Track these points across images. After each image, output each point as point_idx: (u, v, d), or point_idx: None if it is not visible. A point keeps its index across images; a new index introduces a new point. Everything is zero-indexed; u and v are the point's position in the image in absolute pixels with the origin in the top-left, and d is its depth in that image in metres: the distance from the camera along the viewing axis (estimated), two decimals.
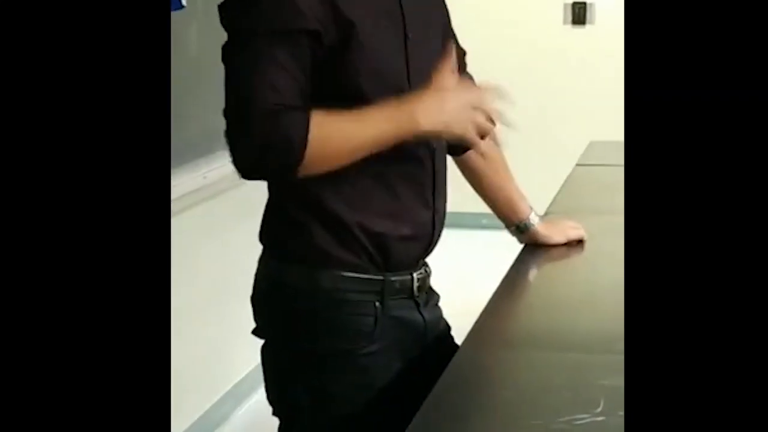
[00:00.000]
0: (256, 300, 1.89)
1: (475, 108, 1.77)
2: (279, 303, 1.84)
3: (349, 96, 1.73)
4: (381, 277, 1.79)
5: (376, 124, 1.73)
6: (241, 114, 1.69)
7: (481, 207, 2.19)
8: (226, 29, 1.75)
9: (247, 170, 1.72)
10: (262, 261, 1.87)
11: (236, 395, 3.68)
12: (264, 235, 1.87)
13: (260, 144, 1.67)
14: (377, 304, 1.80)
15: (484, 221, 3.01)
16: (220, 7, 1.76)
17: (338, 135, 1.72)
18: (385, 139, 1.72)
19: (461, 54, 2.05)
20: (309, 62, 1.69)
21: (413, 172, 1.82)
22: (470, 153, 2.07)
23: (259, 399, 2.02)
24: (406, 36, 1.79)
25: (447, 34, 1.97)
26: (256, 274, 1.88)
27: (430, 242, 1.88)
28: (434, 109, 1.73)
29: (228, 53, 1.74)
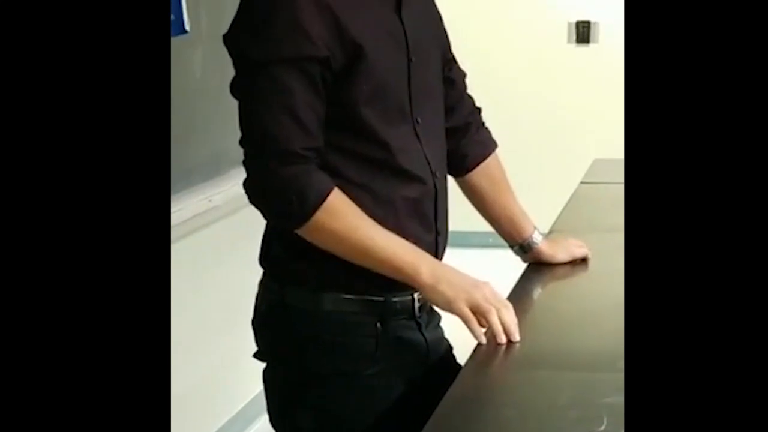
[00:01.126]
0: (257, 323, 1.89)
1: (485, 299, 1.76)
2: (280, 326, 1.84)
3: (350, 120, 1.74)
4: (382, 299, 1.79)
5: (392, 240, 1.75)
6: (264, 151, 1.70)
7: (486, 226, 2.19)
8: (235, 59, 1.76)
9: (256, 202, 1.75)
10: (263, 284, 1.88)
11: (241, 420, 3.68)
12: (264, 258, 1.88)
13: (276, 188, 1.69)
14: (378, 325, 1.80)
15: (490, 240, 3.01)
16: (226, 37, 1.77)
17: (351, 221, 1.73)
18: (389, 258, 1.74)
19: (462, 76, 2.07)
20: (323, 89, 1.71)
21: (416, 196, 1.83)
22: (472, 173, 2.08)
23: (263, 424, 2.03)
24: (409, 59, 1.81)
25: (446, 56, 1.98)
26: (257, 297, 1.89)
27: None
28: (447, 279, 1.75)
29: (240, 84, 1.75)
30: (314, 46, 1.68)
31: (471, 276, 1.79)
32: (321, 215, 1.70)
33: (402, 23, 1.80)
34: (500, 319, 1.74)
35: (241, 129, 1.75)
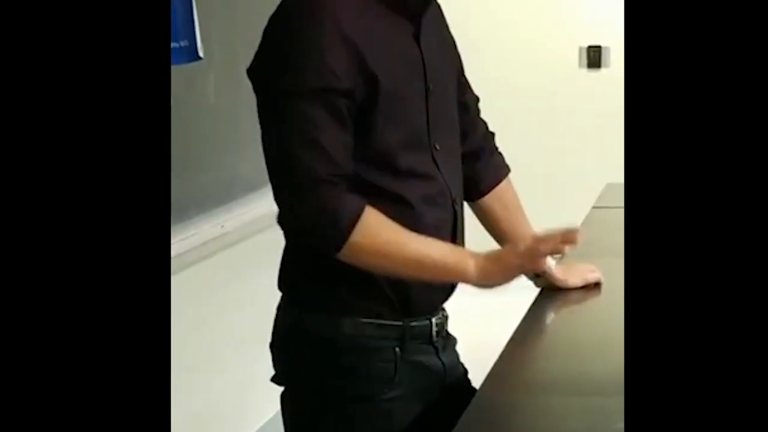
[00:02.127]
0: (275, 347, 1.90)
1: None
2: (299, 350, 1.85)
3: (370, 150, 1.74)
4: (400, 323, 1.80)
5: (434, 246, 1.76)
6: (291, 182, 1.70)
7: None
8: (259, 91, 1.76)
9: (293, 236, 1.75)
10: (282, 308, 1.88)
11: None
12: (283, 282, 1.88)
13: (308, 216, 1.69)
14: (397, 349, 1.81)
15: None
16: (251, 70, 1.77)
17: (390, 235, 1.73)
18: (431, 266, 1.75)
19: (475, 100, 2.08)
20: (348, 121, 1.71)
21: (437, 221, 1.83)
22: (485, 198, 2.08)
23: None
24: (427, 87, 1.82)
25: (459, 80, 1.99)
26: (276, 321, 1.89)
27: (452, 288, 1.89)
28: (493, 271, 1.77)
29: (265, 117, 1.75)
30: (338, 79, 1.69)
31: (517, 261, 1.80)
32: (357, 235, 1.69)
33: (420, 51, 1.81)
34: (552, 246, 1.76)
35: (268, 163, 1.75)
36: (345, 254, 1.71)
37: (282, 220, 1.74)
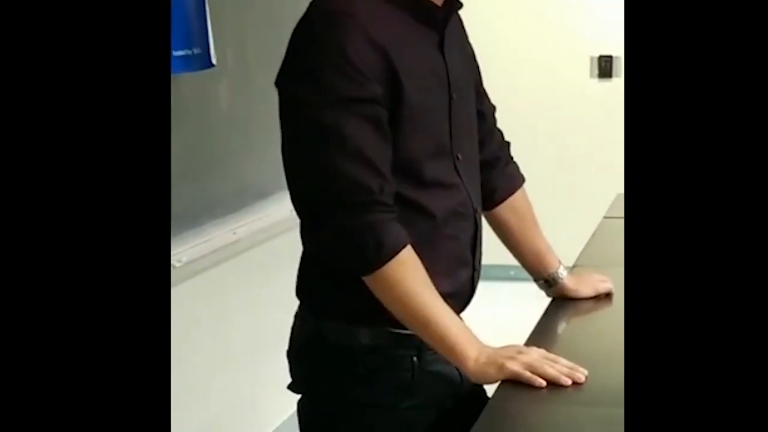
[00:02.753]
0: (293, 355, 1.90)
1: (534, 359, 1.72)
2: (317, 358, 1.85)
3: (397, 159, 1.73)
4: None
5: (449, 317, 1.72)
6: (343, 198, 1.67)
7: (507, 259, 2.19)
8: (289, 104, 1.73)
9: (328, 250, 1.72)
10: (299, 316, 1.89)
11: None
12: (301, 291, 1.88)
13: (353, 232, 1.67)
14: (414, 359, 1.81)
15: (512, 273, 3.01)
16: (279, 82, 1.75)
17: (419, 283, 1.71)
18: (438, 335, 1.71)
19: (492, 110, 2.08)
20: (387, 129, 1.70)
21: (457, 233, 1.84)
22: (500, 207, 2.09)
23: None
24: (450, 96, 1.82)
25: (478, 90, 2.00)
26: (293, 329, 1.90)
27: (468, 300, 1.90)
28: (492, 355, 1.72)
29: (298, 129, 1.71)
30: (370, 83, 1.67)
31: (516, 345, 1.78)
32: (393, 267, 1.68)
33: (445, 61, 1.82)
34: (557, 369, 1.70)
35: (308, 176, 1.71)
36: (372, 279, 1.70)
37: (320, 232, 1.72)
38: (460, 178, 1.84)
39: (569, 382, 1.68)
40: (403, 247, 1.69)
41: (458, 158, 1.84)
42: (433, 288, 1.72)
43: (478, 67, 2.03)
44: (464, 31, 1.98)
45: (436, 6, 1.80)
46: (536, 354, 1.72)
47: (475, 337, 1.74)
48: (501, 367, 1.69)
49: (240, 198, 3.42)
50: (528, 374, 1.68)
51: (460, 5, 1.87)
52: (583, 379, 1.70)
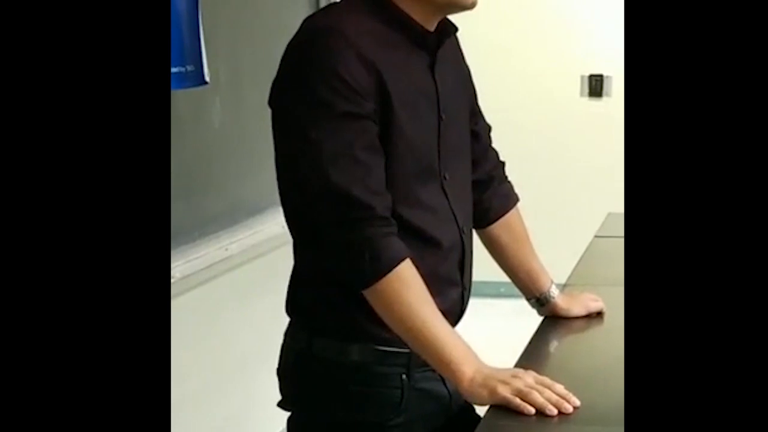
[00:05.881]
0: (283, 372, 1.90)
1: (526, 384, 1.70)
2: (307, 375, 1.85)
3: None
4: (407, 350, 1.79)
5: (447, 333, 1.71)
6: (343, 215, 1.67)
7: (498, 276, 2.20)
8: (283, 122, 1.74)
9: (330, 262, 1.72)
10: (290, 333, 1.89)
11: None
12: (291, 307, 1.88)
13: (352, 244, 1.67)
14: (404, 376, 1.81)
15: (502, 290, 3.02)
16: (272, 100, 1.76)
17: (418, 297, 1.71)
18: (435, 351, 1.70)
19: (487, 130, 2.09)
20: (378, 143, 1.70)
21: (446, 252, 1.84)
22: (493, 226, 2.09)
23: None
24: (440, 117, 1.82)
25: (473, 110, 2.01)
26: (283, 346, 1.89)
27: (458, 318, 1.90)
28: (486, 376, 1.70)
29: (294, 146, 1.71)
30: (364, 99, 1.68)
31: (513, 369, 1.77)
32: (390, 281, 1.68)
33: (435, 81, 1.82)
34: (546, 396, 1.68)
35: (303, 194, 1.71)
36: (371, 293, 1.70)
37: (315, 251, 1.73)
38: (447, 198, 1.85)
39: (555, 412, 1.66)
40: (402, 260, 1.69)
41: (445, 178, 1.84)
42: (432, 303, 1.72)
43: (473, 87, 2.03)
44: (460, 50, 1.98)
45: (428, 31, 1.81)
46: (530, 379, 1.70)
47: (473, 354, 1.73)
48: (492, 391, 1.68)
49: (232, 214, 3.43)
50: (517, 401, 1.66)
51: (455, 29, 1.88)
52: (570, 409, 1.67)
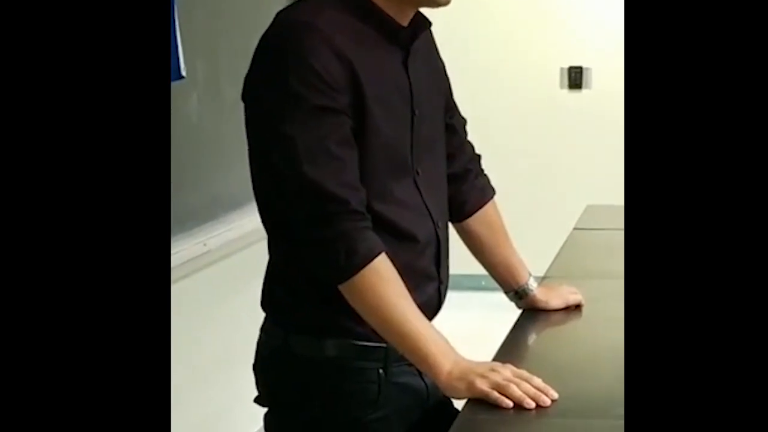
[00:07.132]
0: (258, 368, 1.89)
1: (504, 378, 1.69)
2: (282, 371, 1.84)
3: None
4: (384, 345, 1.79)
5: (424, 327, 1.71)
6: (319, 208, 1.66)
7: (478, 269, 2.20)
8: (256, 117, 1.73)
9: (306, 255, 1.72)
10: (265, 329, 1.88)
11: None
12: (267, 303, 1.88)
13: (327, 239, 1.67)
14: (380, 371, 1.81)
15: (482, 283, 3.01)
16: (245, 94, 1.75)
17: (395, 291, 1.70)
18: (412, 345, 1.70)
19: (462, 123, 2.09)
20: (353, 139, 1.70)
21: (422, 247, 1.84)
22: (470, 219, 2.09)
23: None
24: (413, 112, 1.82)
25: (448, 103, 2.00)
26: (259, 342, 1.89)
27: (435, 312, 1.90)
28: (464, 370, 1.70)
29: (268, 142, 1.71)
30: (339, 95, 1.67)
31: (491, 362, 1.77)
32: (366, 275, 1.67)
33: (408, 77, 1.82)
34: (524, 389, 1.67)
35: (277, 188, 1.71)
36: (347, 288, 1.70)
37: (296, 236, 1.71)
38: (420, 193, 1.84)
39: (533, 405, 1.66)
40: (377, 255, 1.69)
41: (418, 173, 1.84)
42: (408, 297, 1.71)
43: (448, 81, 2.03)
44: (434, 45, 1.98)
45: (402, 26, 1.81)
46: (508, 373, 1.70)
47: (450, 348, 1.73)
48: (470, 385, 1.68)
49: (210, 209, 3.42)
50: (495, 395, 1.66)
51: (429, 24, 1.88)
52: (548, 402, 1.67)
